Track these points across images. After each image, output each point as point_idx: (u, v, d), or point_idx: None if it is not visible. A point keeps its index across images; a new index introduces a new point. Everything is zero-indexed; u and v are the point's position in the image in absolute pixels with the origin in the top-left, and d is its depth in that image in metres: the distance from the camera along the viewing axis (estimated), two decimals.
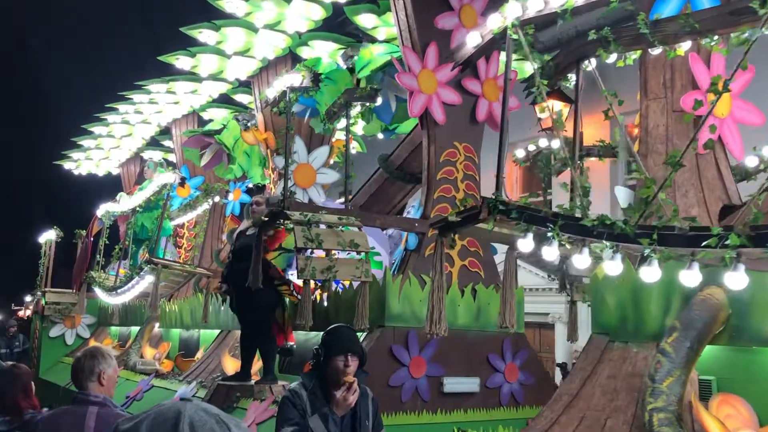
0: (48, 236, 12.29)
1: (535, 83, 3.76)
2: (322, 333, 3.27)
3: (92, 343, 11.14)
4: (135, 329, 10.56)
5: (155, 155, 12.47)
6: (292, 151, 7.76)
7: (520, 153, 6.71)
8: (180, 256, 10.79)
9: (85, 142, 11.91)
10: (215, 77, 8.78)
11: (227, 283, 6.05)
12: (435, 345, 5.19)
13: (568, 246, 3.32)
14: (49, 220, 13.91)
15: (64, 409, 3.07)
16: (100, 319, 12.18)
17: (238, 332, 7.30)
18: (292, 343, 5.79)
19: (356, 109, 6.67)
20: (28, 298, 13.20)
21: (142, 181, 12.11)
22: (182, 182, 7.72)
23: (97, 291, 9.34)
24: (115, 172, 13.42)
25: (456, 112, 5.70)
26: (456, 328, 5.33)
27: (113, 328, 11.82)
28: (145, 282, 7.74)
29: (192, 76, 8.97)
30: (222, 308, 7.52)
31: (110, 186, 13.50)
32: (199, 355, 8.07)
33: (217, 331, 8.09)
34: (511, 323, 3.90)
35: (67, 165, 12.80)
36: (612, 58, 4.12)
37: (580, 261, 3.29)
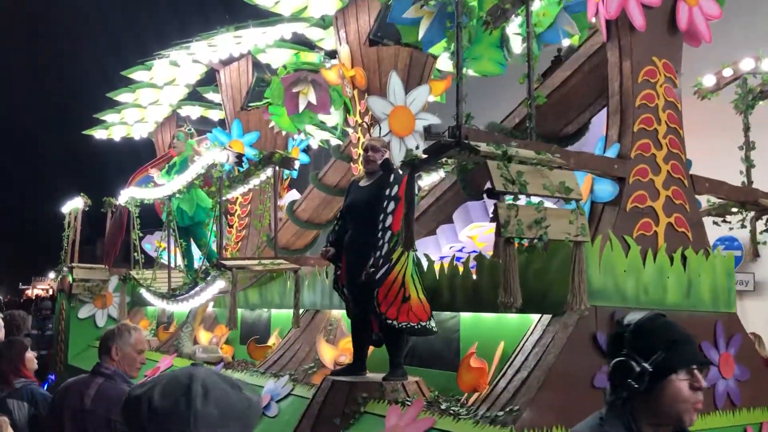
0: (74, 205, 10.85)
1: None
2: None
3: (124, 318, 9.76)
4: (181, 312, 9.19)
5: (194, 111, 10.97)
6: (388, 91, 6.30)
7: (708, 80, 5.21)
8: (230, 240, 9.29)
9: (121, 97, 10.37)
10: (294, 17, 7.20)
11: (336, 247, 4.67)
12: None
13: None
14: (72, 189, 12.49)
15: (77, 378, 3.24)
16: (134, 298, 10.78)
17: (334, 312, 5.94)
18: (426, 323, 4.38)
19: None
20: (51, 275, 11.80)
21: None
22: (239, 161, 6.10)
23: (146, 295, 7.83)
24: (146, 133, 11.90)
25: (653, 17, 4.22)
26: (667, 309, 3.92)
27: (150, 309, 10.45)
28: (214, 288, 6.29)
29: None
30: (307, 284, 6.11)
31: (143, 150, 12.04)
32: (273, 340, 6.68)
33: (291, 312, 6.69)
34: None
35: (98, 134, 11.29)
36: None
37: None
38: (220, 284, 6.11)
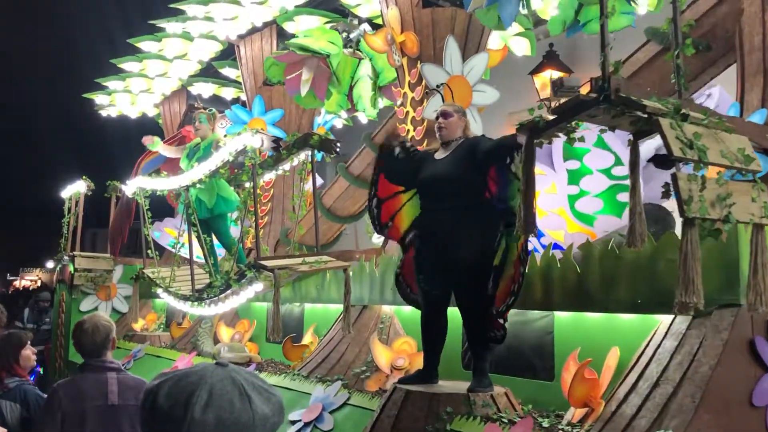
0: (75, 189, 10.05)
1: None
2: None
3: (135, 320, 9.00)
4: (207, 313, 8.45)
5: (205, 89, 10.17)
6: (444, 58, 5.57)
7: None
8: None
9: (127, 65, 9.50)
10: None
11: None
12: None
13: None
14: (70, 172, 11.67)
15: (82, 375, 3.15)
16: (141, 289, 10.01)
17: (385, 308, 5.23)
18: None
19: None
20: (49, 265, 11.00)
21: (187, 125, 9.89)
22: (277, 145, 5.25)
23: (165, 297, 7.01)
24: (152, 112, 11.07)
25: None
26: None
27: (158, 301, 9.69)
28: (248, 291, 5.52)
29: None
30: (352, 276, 5.38)
31: (148, 130, 11.21)
32: (308, 339, 5.96)
33: (331, 307, 5.98)
34: None
35: (98, 99, 10.34)
36: None
37: None
38: (257, 287, 5.37)
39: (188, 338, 7.49)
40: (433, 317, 4.02)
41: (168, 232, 9.57)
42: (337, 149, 5.10)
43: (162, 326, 9.22)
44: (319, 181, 9.40)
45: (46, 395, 3.51)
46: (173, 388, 1.25)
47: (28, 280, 45.22)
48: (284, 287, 6.44)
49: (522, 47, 7.91)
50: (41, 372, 10.05)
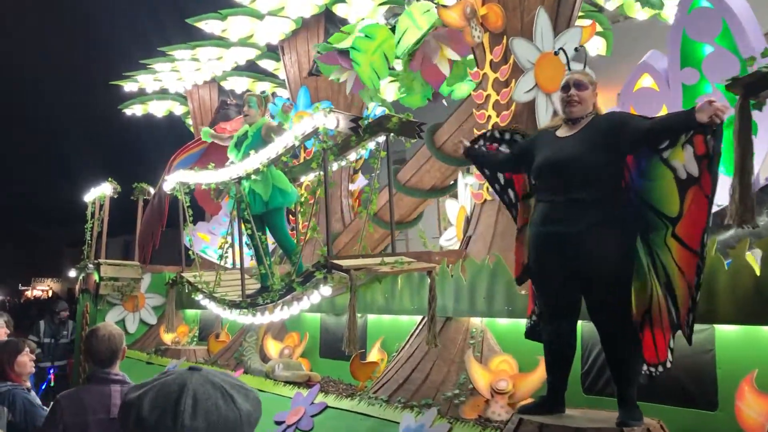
0: (99, 192, 9.40)
1: None
2: None
3: (165, 332, 8.31)
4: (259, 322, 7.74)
5: (239, 84, 9.49)
6: (534, 33, 4.86)
7: None
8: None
9: (158, 66, 8.90)
10: None
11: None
12: None
13: None
14: (89, 176, 11.03)
15: (86, 387, 3.13)
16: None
17: (474, 321, 4.51)
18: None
19: None
20: (72, 273, 10.32)
21: (221, 121, 9.21)
22: (356, 125, 4.54)
23: (208, 304, 6.29)
24: (179, 110, 10.40)
25: None
26: None
27: (190, 312, 9.00)
28: (315, 296, 4.80)
29: None
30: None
31: (173, 131, 10.59)
32: (376, 355, 5.23)
33: (402, 319, 5.27)
34: None
35: (127, 86, 9.67)
36: None
37: None
38: (325, 291, 4.66)
39: (230, 353, 6.78)
40: (559, 333, 3.29)
41: (201, 237, 8.90)
42: (420, 132, 4.40)
43: (195, 339, 8.52)
44: (363, 181, 8.73)
45: (37, 403, 3.79)
46: (156, 399, 1.23)
47: (40, 289, 44.77)
48: (343, 295, 5.73)
49: (598, 46, 7.34)
50: (52, 385, 9.37)
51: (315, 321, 6.37)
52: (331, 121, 4.38)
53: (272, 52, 8.59)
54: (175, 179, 6.54)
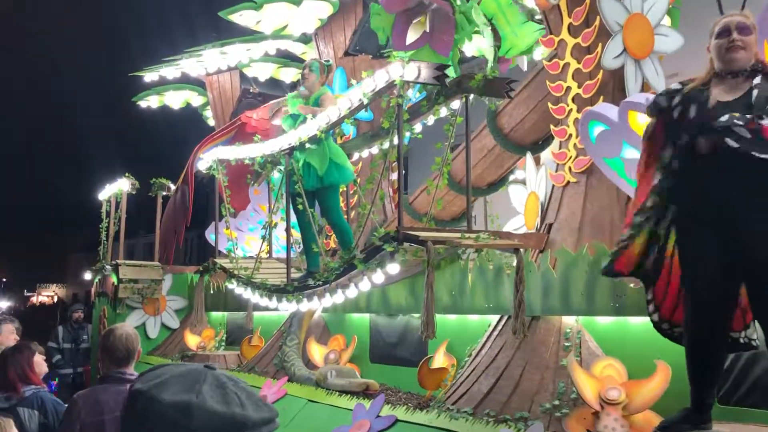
0: (116, 189, 8.83)
1: None
2: None
3: (190, 335, 7.73)
4: (268, 316, 7.16)
5: (262, 70, 8.88)
6: None
7: None
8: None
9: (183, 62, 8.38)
10: None
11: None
12: None
13: None
14: (104, 174, 10.48)
15: (103, 386, 3.09)
16: (191, 300, 8.76)
17: (567, 320, 3.93)
18: None
19: None
20: (87, 276, 9.77)
21: (244, 110, 8.61)
22: (441, 74, 3.87)
23: (245, 292, 5.69)
24: (197, 102, 9.81)
25: None
26: None
27: (215, 314, 8.43)
28: (377, 275, 4.15)
29: None
30: (507, 277, 4.08)
31: (191, 124, 10.01)
32: (442, 361, 4.64)
33: (472, 319, 4.68)
34: None
35: (147, 76, 9.08)
36: None
37: None
38: (392, 268, 4.01)
39: (268, 359, 6.20)
40: (710, 334, 2.71)
41: (227, 234, 8.31)
42: (510, 91, 3.81)
43: (222, 344, 7.95)
44: (392, 175, 8.14)
45: (63, 403, 3.73)
46: (175, 385, 1.14)
47: (45, 295, 44.31)
48: (395, 289, 5.15)
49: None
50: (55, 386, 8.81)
51: (363, 322, 5.78)
52: (411, 71, 3.78)
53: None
54: (212, 156, 5.99)
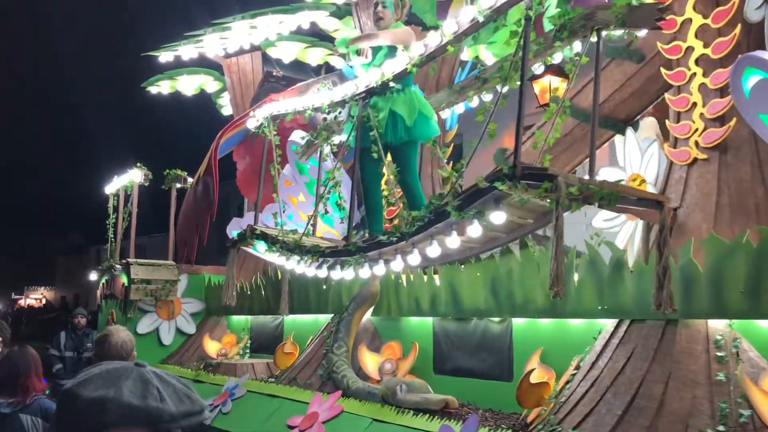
0: (126, 180, 8.04)
1: None
2: None
3: (209, 341, 6.95)
4: (300, 320, 6.40)
5: (287, 51, 8.10)
6: None
7: None
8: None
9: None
10: None
11: None
12: None
13: None
14: (111, 167, 9.69)
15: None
16: (210, 304, 7.98)
17: (719, 325, 3.20)
18: None
19: None
20: (93, 276, 8.97)
21: (270, 93, 7.84)
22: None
23: (287, 263, 4.85)
24: (212, 87, 9.02)
25: None
26: None
27: (236, 318, 7.65)
28: (474, 228, 3.26)
29: None
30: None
31: (205, 113, 9.25)
32: (539, 374, 3.89)
33: (572, 323, 3.95)
34: None
35: (162, 56, 8.25)
36: None
37: None
38: (499, 217, 3.10)
39: (310, 369, 5.43)
40: None
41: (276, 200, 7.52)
42: (662, 20, 3.06)
43: (247, 352, 7.16)
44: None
45: None
46: (97, 382, 1.14)
47: (33, 298, 43.19)
48: (470, 284, 4.40)
49: None
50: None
51: (423, 327, 5.03)
52: None
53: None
54: (263, 113, 5.24)
